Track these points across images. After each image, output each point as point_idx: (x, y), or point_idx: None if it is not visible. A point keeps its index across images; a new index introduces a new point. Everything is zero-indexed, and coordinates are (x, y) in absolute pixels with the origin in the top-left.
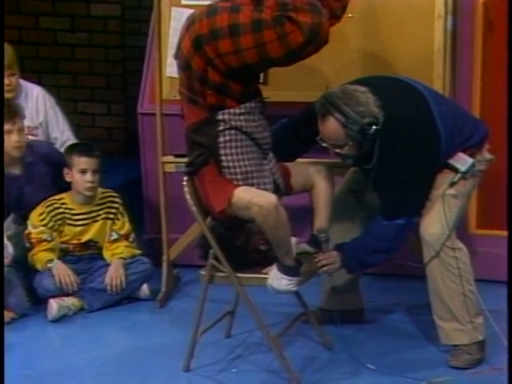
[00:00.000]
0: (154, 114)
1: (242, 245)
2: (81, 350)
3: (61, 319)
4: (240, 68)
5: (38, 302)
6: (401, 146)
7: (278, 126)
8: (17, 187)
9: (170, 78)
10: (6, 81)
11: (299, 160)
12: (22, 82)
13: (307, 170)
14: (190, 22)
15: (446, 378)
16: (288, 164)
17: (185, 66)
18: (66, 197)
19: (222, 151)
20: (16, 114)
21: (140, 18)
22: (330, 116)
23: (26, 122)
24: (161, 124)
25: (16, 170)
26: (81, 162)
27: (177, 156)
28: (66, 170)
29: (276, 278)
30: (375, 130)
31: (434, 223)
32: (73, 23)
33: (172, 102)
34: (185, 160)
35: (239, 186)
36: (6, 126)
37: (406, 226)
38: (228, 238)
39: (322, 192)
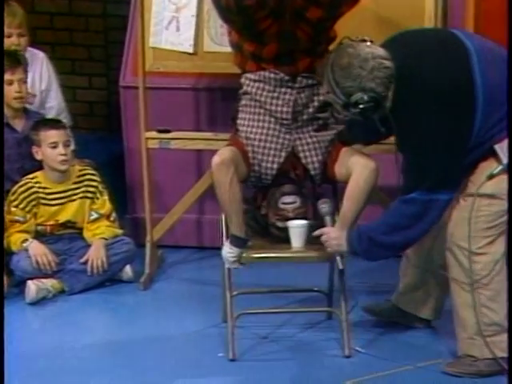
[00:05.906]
0: (136, 88)
1: (265, 216)
2: (61, 333)
3: (40, 302)
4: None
5: (17, 284)
6: (421, 105)
7: None
8: (17, 144)
9: (154, 48)
10: (15, 41)
11: None
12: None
13: (349, 160)
14: None
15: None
16: (343, 149)
17: None
18: (39, 175)
19: (239, 114)
20: (17, 63)
21: None
22: (323, 85)
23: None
24: (144, 98)
25: (18, 126)
26: (50, 135)
27: (160, 131)
28: (35, 149)
29: (225, 244)
30: (363, 108)
31: (457, 223)
32: None
33: (156, 74)
34: (168, 136)
35: (235, 146)
36: (6, 76)
37: (424, 202)
38: (253, 206)
39: (351, 185)
